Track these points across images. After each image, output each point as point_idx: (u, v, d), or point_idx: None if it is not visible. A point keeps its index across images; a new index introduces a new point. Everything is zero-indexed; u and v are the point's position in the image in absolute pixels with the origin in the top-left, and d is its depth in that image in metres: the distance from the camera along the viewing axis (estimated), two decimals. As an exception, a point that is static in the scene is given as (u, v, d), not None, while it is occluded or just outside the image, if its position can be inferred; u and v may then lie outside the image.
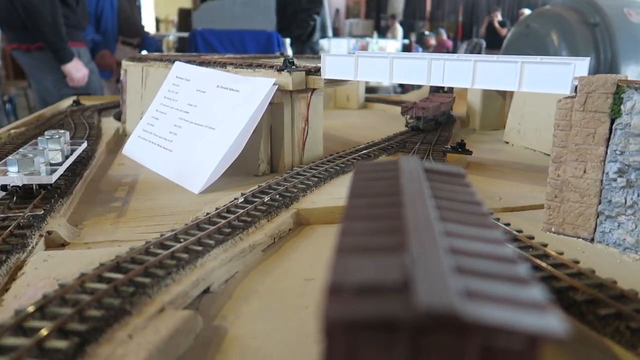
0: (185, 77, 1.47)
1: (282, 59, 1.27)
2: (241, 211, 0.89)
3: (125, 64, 1.82)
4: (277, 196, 0.99)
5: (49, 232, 0.84)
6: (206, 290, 0.72)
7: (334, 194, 1.08)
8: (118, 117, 1.98)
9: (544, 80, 0.94)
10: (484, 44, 7.66)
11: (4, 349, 0.46)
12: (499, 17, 8.90)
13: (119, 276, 0.61)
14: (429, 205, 0.42)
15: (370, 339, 0.28)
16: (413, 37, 9.16)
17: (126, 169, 1.35)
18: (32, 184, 0.92)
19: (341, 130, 1.94)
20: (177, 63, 1.53)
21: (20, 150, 0.97)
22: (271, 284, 0.76)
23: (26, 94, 7.39)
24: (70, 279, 0.63)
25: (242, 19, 4.38)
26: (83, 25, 3.10)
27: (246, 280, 0.77)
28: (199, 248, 0.73)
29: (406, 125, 1.74)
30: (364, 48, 7.53)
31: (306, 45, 4.72)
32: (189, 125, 1.33)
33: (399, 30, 9.11)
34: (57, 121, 1.72)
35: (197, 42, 4.27)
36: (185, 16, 7.66)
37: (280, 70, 1.24)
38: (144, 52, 4.30)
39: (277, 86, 1.22)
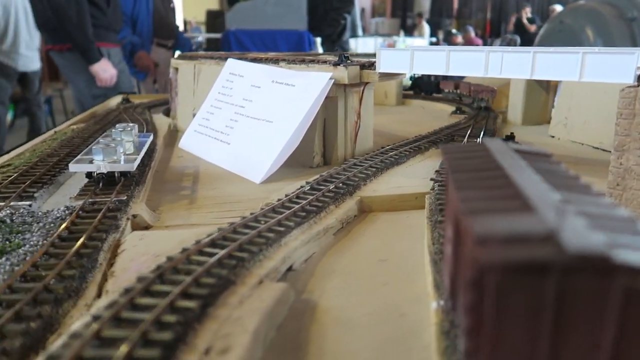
0: (239, 73, 1.53)
1: (337, 54, 1.32)
2: (311, 197, 0.94)
3: (175, 62, 1.90)
4: (341, 184, 1.03)
5: (134, 216, 0.91)
6: (289, 269, 0.77)
7: (392, 183, 1.12)
8: (167, 113, 2.06)
9: (606, 70, 0.96)
10: (518, 39, 7.57)
11: (141, 307, 0.52)
12: (528, 13, 8.78)
13: (219, 251, 0.67)
14: (535, 176, 0.46)
15: (520, 282, 0.32)
16: (440, 35, 9.11)
17: (185, 161, 1.42)
18: (114, 172, 0.99)
19: (384, 125, 1.97)
20: (230, 60, 1.59)
21: (101, 140, 1.04)
22: (347, 264, 0.81)
23: (62, 95, 7.66)
24: (168, 255, 0.68)
25: (273, 18, 4.45)
26: (115, 27, 3.19)
27: (323, 261, 0.81)
28: (281, 229, 0.79)
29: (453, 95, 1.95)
30: (391, 47, 7.53)
31: (337, 44, 4.77)
32: (245, 119, 1.39)
33: (426, 28, 9.08)
34: (113, 117, 1.80)
35: (230, 42, 4.36)
36: (213, 18, 7.80)
37: (336, 64, 1.28)
38: (177, 53, 4.41)
39: (333, 80, 1.26)
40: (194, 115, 1.73)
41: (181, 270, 0.61)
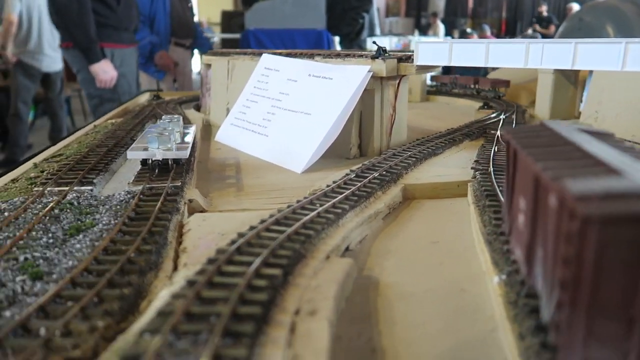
0: (274, 67, 1.57)
1: (375, 48, 1.35)
2: (359, 184, 0.97)
3: (208, 58, 1.95)
4: (385, 172, 1.06)
5: (190, 200, 0.95)
6: (346, 249, 0.80)
7: (433, 172, 1.15)
8: (197, 109, 2.11)
9: (648, 59, 0.98)
10: (539, 37, 7.54)
11: (229, 274, 0.56)
12: (544, 12, 8.73)
13: (285, 228, 0.70)
14: (607, 148, 0.48)
15: (620, 234, 0.34)
16: (456, 35, 9.10)
17: (224, 153, 1.46)
18: (168, 159, 1.03)
19: (411, 120, 1.98)
20: (264, 55, 1.63)
21: (152, 129, 1.08)
22: (400, 245, 0.84)
23: (80, 95, 7.78)
24: (233, 234, 0.72)
25: (292, 18, 4.50)
26: (126, 26, 3.12)
27: (377, 243, 0.85)
28: (338, 210, 0.82)
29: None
30: (406, 46, 7.55)
31: (354, 43, 4.80)
32: (282, 112, 1.43)
33: (441, 27, 9.07)
34: (148, 112, 1.86)
35: (250, 42, 4.42)
36: (228, 18, 7.88)
37: (374, 57, 1.32)
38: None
39: (371, 73, 1.30)
40: (228, 110, 1.78)
41: (255, 244, 0.65)
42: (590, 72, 1.96)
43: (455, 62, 1.22)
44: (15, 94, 5.50)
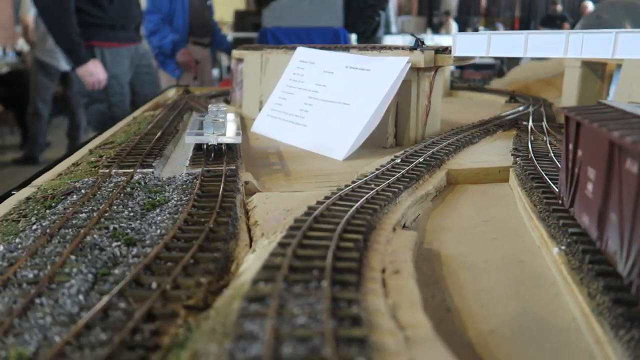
0: (310, 60, 1.62)
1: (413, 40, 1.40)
2: (407, 167, 1.01)
3: (239, 53, 2.00)
4: (429, 158, 1.11)
5: (246, 182, 1.00)
6: (403, 226, 0.85)
7: (473, 159, 1.19)
8: (227, 102, 2.17)
9: (689, 47, 1.02)
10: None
11: (315, 237, 0.60)
12: (558, 10, 8.71)
13: (353, 203, 0.75)
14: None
15: None
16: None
17: (263, 142, 1.51)
18: (222, 144, 1.09)
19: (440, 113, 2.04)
20: (299, 48, 1.68)
21: (207, 117, 1.14)
22: (453, 223, 0.88)
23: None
24: (298, 210, 0.77)
25: (309, 16, 4.55)
26: (122, 24, 3.04)
27: (430, 221, 0.89)
28: (394, 189, 0.87)
29: None
30: (420, 45, 7.56)
31: (370, 41, 4.84)
32: (320, 103, 1.48)
33: (454, 26, 9.08)
34: (182, 105, 1.91)
35: (268, 40, 4.47)
36: (241, 17, 7.96)
37: (412, 49, 1.36)
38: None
39: (410, 64, 1.34)
40: (261, 102, 1.83)
41: (327, 215, 0.70)
42: (619, 65, 1.99)
43: (493, 53, 1.27)
44: (34, 92, 5.61)
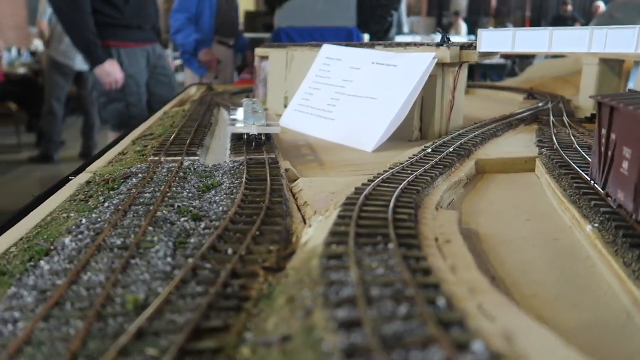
0: (336, 57, 1.69)
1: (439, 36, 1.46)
2: (439, 156, 1.07)
3: (264, 51, 2.07)
4: (458, 148, 1.17)
5: (286, 170, 1.06)
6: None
7: (499, 150, 1.25)
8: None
9: None
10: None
11: (371, 211, 0.67)
12: (568, 10, 8.72)
13: (397, 185, 0.81)
14: None
15: None
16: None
17: (292, 136, 1.58)
18: (261, 134, 1.15)
19: (458, 110, 2.09)
20: (325, 46, 1.75)
21: (246, 109, 1.20)
22: (486, 207, 0.94)
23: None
24: (343, 193, 0.83)
25: (323, 16, 4.61)
26: (138, 24, 3.09)
27: (464, 205, 0.95)
28: (432, 174, 0.93)
29: None
30: (430, 45, 7.61)
31: (383, 41, 4.90)
32: (347, 98, 1.54)
33: (463, 27, 9.12)
34: (208, 101, 1.98)
35: (282, 39, 4.54)
36: (251, 18, 8.05)
37: (438, 45, 1.42)
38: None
39: (437, 59, 1.40)
40: (286, 99, 1.90)
41: (375, 195, 0.76)
42: (636, 63, 2.04)
43: (518, 49, 1.32)
44: (49, 92, 5.72)
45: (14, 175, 5.46)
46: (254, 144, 1.14)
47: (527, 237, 0.80)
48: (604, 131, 0.73)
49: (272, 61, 2.01)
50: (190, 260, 0.57)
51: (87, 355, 0.40)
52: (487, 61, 8.29)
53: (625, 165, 0.63)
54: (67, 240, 0.63)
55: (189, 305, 0.47)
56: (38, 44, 7.38)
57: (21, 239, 0.69)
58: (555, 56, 2.95)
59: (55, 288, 0.51)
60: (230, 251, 0.60)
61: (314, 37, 4.66)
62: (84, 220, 0.70)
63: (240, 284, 0.52)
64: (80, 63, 5.67)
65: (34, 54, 7.17)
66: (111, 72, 2.90)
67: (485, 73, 7.90)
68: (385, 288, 0.43)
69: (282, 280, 0.53)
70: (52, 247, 0.62)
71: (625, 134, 0.64)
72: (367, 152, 1.36)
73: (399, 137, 1.48)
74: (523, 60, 7.25)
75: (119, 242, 0.62)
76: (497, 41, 1.36)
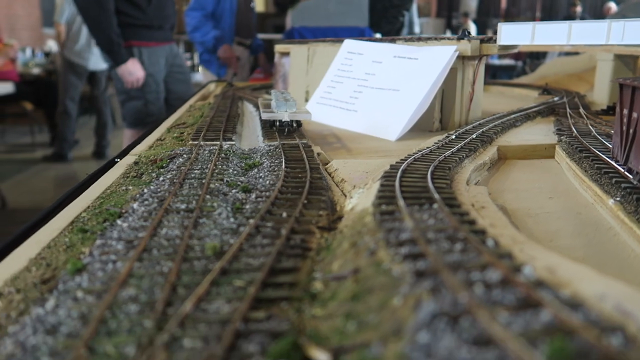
0: (358, 51, 1.75)
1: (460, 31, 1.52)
2: (463, 142, 1.14)
3: (285, 47, 2.14)
4: (480, 134, 1.23)
5: (318, 154, 1.13)
6: (467, 187, 0.97)
7: (520, 138, 1.31)
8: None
9: None
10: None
11: (409, 181, 0.73)
12: (578, 12, 8.75)
13: (429, 163, 0.87)
14: None
15: None
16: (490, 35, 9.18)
17: (316, 126, 1.64)
18: (292, 120, 1.22)
19: (474, 105, 2.15)
20: (347, 41, 1.82)
21: (277, 97, 1.27)
22: (510, 186, 1.00)
23: (119, 94, 8.13)
24: (376, 172, 0.90)
25: (336, 16, 4.69)
26: (159, 24, 3.19)
27: (490, 185, 1.01)
28: (459, 156, 0.99)
29: None
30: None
31: (395, 40, 4.97)
32: (369, 90, 1.61)
33: (473, 28, 9.17)
34: (231, 95, 2.06)
35: (295, 39, 4.62)
36: (261, 19, 8.15)
37: (459, 38, 1.48)
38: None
39: (458, 52, 1.46)
40: (307, 92, 1.97)
41: (410, 170, 0.82)
42: (651, 58, 2.09)
43: (537, 42, 1.38)
44: (63, 91, 5.83)
45: (29, 174, 5.57)
46: (286, 130, 1.21)
47: (551, 212, 0.86)
48: (625, 111, 0.79)
49: (294, 56, 2.08)
50: (251, 221, 0.63)
51: (184, 285, 0.47)
52: (497, 62, 8.34)
53: (646, 138, 0.69)
54: (135, 205, 0.70)
55: (260, 252, 0.54)
56: (51, 45, 7.51)
57: (87, 207, 0.76)
58: (568, 53, 3.00)
59: (138, 239, 0.57)
60: (284, 214, 0.67)
61: (327, 36, 4.74)
62: (145, 190, 0.77)
63: (300, 238, 0.59)
64: (93, 63, 5.79)
65: (47, 54, 7.31)
66: (133, 71, 3.00)
67: (495, 74, 7.94)
68: (439, 233, 0.49)
69: (337, 236, 0.59)
70: (124, 211, 0.69)
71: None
72: (391, 140, 1.42)
73: (420, 128, 1.55)
74: (533, 61, 7.29)
75: (183, 207, 0.69)
76: (516, 34, 1.42)
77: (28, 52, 7.14)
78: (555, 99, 2.02)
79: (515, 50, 1.59)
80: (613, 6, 8.63)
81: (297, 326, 0.40)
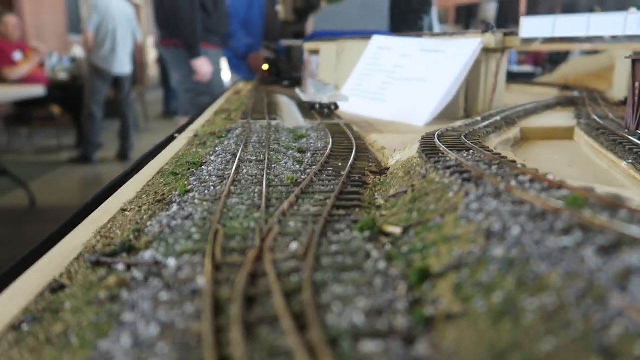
0: (386, 46, 1.89)
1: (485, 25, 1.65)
2: (488, 122, 1.26)
3: (315, 45, 2.29)
4: (503, 118, 1.35)
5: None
6: (494, 157, 1.09)
7: (541, 122, 1.43)
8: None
9: None
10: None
11: (448, 140, 0.86)
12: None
13: (460, 133, 1.00)
14: None
15: None
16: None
17: (348, 116, 1.78)
18: (331, 103, 1.36)
19: (496, 100, 2.27)
20: (375, 36, 1.96)
21: (316, 83, 1.41)
22: (533, 157, 1.12)
23: (141, 99, 8.40)
24: (412, 142, 1.03)
25: (357, 20, 4.84)
26: (219, 30, 3.60)
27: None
28: (485, 131, 1.11)
29: None
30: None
31: (415, 44, 5.10)
32: (397, 81, 1.74)
33: (492, 34, 9.27)
34: (263, 89, 2.21)
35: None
36: (282, 26, 8.36)
37: (484, 32, 1.61)
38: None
39: (482, 45, 1.59)
40: (337, 87, 2.11)
41: (443, 135, 0.95)
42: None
43: (557, 33, 1.50)
44: (89, 95, 6.08)
45: (56, 175, 5.80)
46: (325, 111, 1.35)
47: (571, 175, 0.97)
48: (637, 84, 0.91)
49: (323, 53, 2.22)
50: (314, 167, 0.77)
51: (275, 198, 0.60)
52: (516, 68, 8.41)
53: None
54: (212, 158, 0.84)
55: (328, 184, 0.67)
56: (77, 51, 7.81)
57: (167, 164, 0.90)
58: (589, 53, 3.09)
59: (227, 175, 0.71)
60: (340, 164, 0.80)
61: (348, 40, 4.91)
62: (217, 148, 0.91)
63: (358, 176, 0.72)
64: (117, 68, 6.05)
65: (73, 60, 7.61)
66: (204, 64, 3.39)
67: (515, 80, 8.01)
68: (478, 162, 0.62)
69: (389, 175, 0.72)
70: (204, 161, 0.83)
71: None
72: (419, 126, 1.55)
73: (446, 116, 1.67)
74: (553, 65, 7.35)
75: (253, 158, 0.83)
76: (537, 27, 1.54)
77: (54, 57, 7.45)
78: (575, 93, 2.12)
79: (536, 45, 1.71)
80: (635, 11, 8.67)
81: (372, 220, 0.53)
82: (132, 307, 0.35)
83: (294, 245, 0.44)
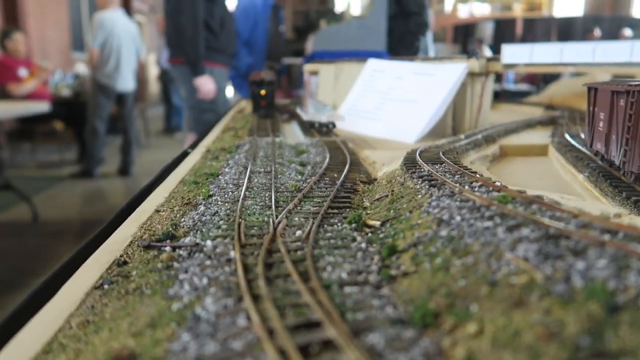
0: (381, 69, 2.07)
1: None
2: (470, 139, 1.42)
3: (314, 67, 2.47)
4: (485, 135, 1.51)
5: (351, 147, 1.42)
6: (472, 171, 1.25)
7: (519, 139, 1.59)
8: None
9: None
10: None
11: (428, 156, 1.01)
12: (597, 37, 9.07)
13: (440, 149, 1.16)
14: (650, 80, 0.92)
15: (653, 100, 0.79)
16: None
17: (344, 133, 1.94)
18: (329, 122, 1.52)
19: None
20: (370, 60, 2.14)
21: (315, 104, 1.58)
22: (508, 172, 1.28)
23: (142, 116, 8.60)
24: (399, 157, 1.19)
25: (356, 40, 5.07)
26: (226, 49, 3.75)
27: (491, 171, 1.29)
28: (465, 147, 1.27)
29: None
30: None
31: (412, 64, 5.31)
32: (391, 102, 1.91)
33: (489, 53, 9.55)
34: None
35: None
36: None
37: (469, 57, 1.79)
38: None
39: (468, 69, 1.76)
40: (335, 107, 2.28)
41: (424, 152, 1.11)
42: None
43: (535, 60, 1.68)
44: (92, 111, 6.27)
45: (58, 189, 5.95)
46: (323, 129, 1.51)
47: (539, 186, 1.13)
48: (591, 108, 1.07)
49: (322, 74, 2.40)
50: (314, 177, 0.93)
51: (282, 200, 0.75)
52: (513, 87, 8.65)
53: (601, 124, 0.97)
54: (226, 169, 1.00)
55: (325, 190, 0.83)
56: (80, 68, 8.03)
57: (186, 174, 1.05)
58: (578, 74, 3.28)
59: (241, 183, 0.87)
60: (336, 175, 0.96)
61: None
62: (229, 161, 1.07)
63: (350, 184, 0.87)
64: (121, 84, 6.25)
65: (76, 76, 7.82)
66: (207, 82, 3.52)
67: (511, 99, 8.24)
68: (445, 172, 0.78)
69: (375, 184, 0.88)
70: (219, 172, 0.98)
71: (601, 103, 0.98)
72: (410, 142, 1.71)
73: (435, 134, 1.84)
74: (547, 84, 7.58)
75: (262, 170, 0.98)
76: (517, 54, 1.72)
77: (58, 74, 7.67)
78: (557, 112, 2.30)
79: (519, 70, 1.88)
80: (628, 32, 8.96)
81: (359, 215, 0.68)
82: (185, 270, 0.50)
83: (298, 232, 0.59)
